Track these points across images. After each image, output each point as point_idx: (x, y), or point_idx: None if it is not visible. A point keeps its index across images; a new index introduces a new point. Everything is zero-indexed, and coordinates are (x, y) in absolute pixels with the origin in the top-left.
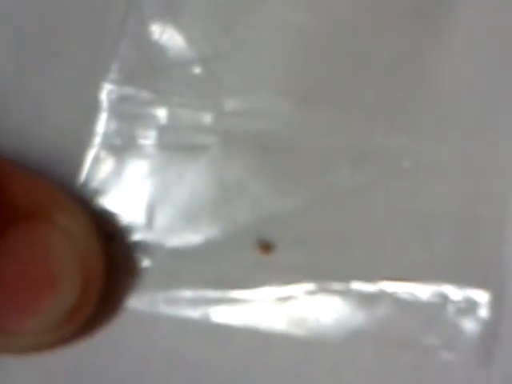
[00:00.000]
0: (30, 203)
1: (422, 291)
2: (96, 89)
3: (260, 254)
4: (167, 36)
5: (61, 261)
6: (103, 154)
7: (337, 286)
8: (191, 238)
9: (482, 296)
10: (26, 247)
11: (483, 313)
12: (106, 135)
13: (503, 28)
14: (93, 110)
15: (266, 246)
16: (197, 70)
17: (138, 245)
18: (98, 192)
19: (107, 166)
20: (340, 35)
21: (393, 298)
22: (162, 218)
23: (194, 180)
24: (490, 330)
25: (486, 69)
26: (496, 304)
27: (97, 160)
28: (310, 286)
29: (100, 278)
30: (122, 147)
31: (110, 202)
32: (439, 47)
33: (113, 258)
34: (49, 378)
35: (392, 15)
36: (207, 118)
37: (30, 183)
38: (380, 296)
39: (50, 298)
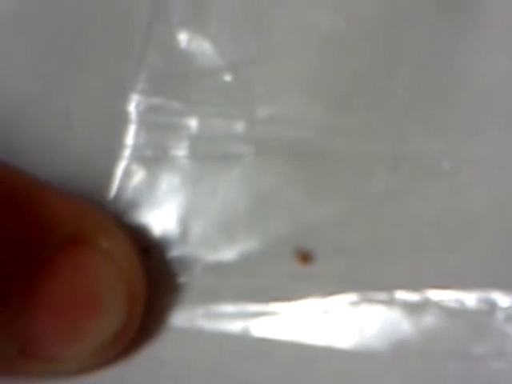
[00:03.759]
0: (71, 226)
1: (469, 298)
2: (124, 100)
3: (299, 265)
4: (195, 44)
5: (106, 285)
6: (134, 166)
7: (380, 295)
8: (228, 250)
9: None
10: (71, 273)
11: None
12: (136, 147)
13: None
14: (122, 121)
15: (305, 257)
16: (227, 78)
17: (173, 260)
18: (130, 206)
19: (138, 178)
20: (369, 37)
21: (439, 307)
22: (196, 231)
23: (227, 191)
24: None
25: None
26: None
27: (127, 173)
28: (353, 297)
29: (144, 298)
30: (153, 159)
31: (142, 216)
32: (472, 42)
33: (150, 274)
34: None
35: (420, 13)
36: (239, 127)
37: (70, 205)
38: (426, 305)
39: (97, 323)
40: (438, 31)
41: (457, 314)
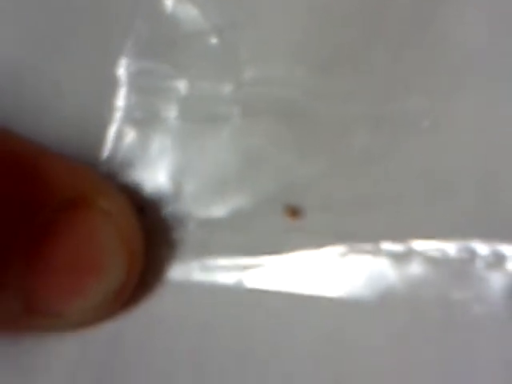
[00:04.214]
0: (72, 189)
1: (451, 248)
2: (114, 64)
3: (288, 220)
4: (181, 9)
5: (106, 244)
6: (125, 128)
7: (367, 246)
8: (219, 207)
9: (509, 249)
10: (73, 233)
11: (511, 266)
12: (127, 109)
13: None
14: (112, 85)
15: (294, 211)
16: (213, 41)
17: (167, 217)
18: (122, 167)
19: (130, 139)
20: (352, 4)
21: (422, 256)
22: (188, 189)
23: (217, 150)
24: None
25: (500, 28)
26: None
27: (119, 135)
28: (341, 248)
29: (141, 255)
30: (143, 121)
31: (135, 175)
32: (452, 8)
33: (146, 231)
34: (90, 347)
35: None
36: (227, 89)
37: (69, 169)
38: (410, 254)
39: (98, 280)
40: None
41: (439, 262)
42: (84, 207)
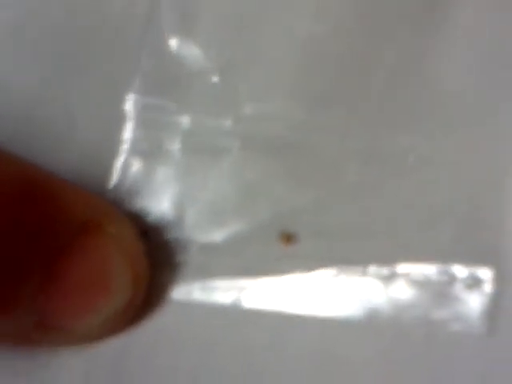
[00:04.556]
0: (84, 216)
1: (432, 271)
2: (121, 100)
3: (283, 246)
4: (185, 49)
5: (114, 266)
6: (132, 159)
7: (355, 270)
8: (218, 233)
9: (485, 273)
10: (85, 256)
11: (487, 288)
12: (133, 142)
13: (502, 28)
14: (120, 120)
15: (288, 238)
16: (214, 80)
17: (170, 241)
18: (128, 195)
19: (136, 170)
20: (345, 44)
21: (406, 279)
22: (190, 216)
23: (217, 180)
24: (494, 302)
25: (484, 69)
26: (498, 279)
27: (126, 165)
28: (331, 272)
29: (145, 277)
30: (149, 153)
31: (140, 203)
32: (439, 50)
33: (150, 255)
34: (96, 363)
35: (392, 22)
36: (227, 124)
37: (82, 197)
38: (395, 277)
39: (106, 299)
40: (407, 41)
41: (421, 284)
42: (96, 232)
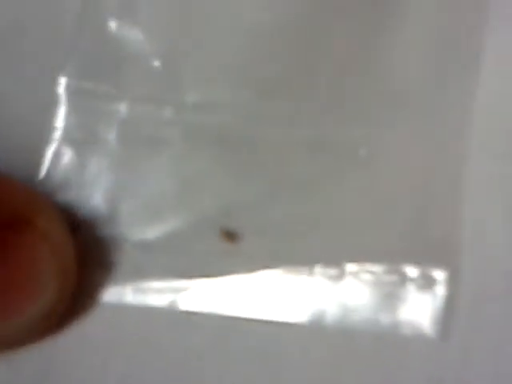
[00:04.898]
0: (12, 208)
1: (382, 271)
2: (55, 84)
3: (225, 243)
4: (125, 31)
5: (41, 264)
6: (63, 148)
7: (301, 270)
8: (155, 230)
9: (439, 273)
10: (11, 253)
11: (440, 289)
12: (66, 130)
13: (451, 16)
14: (52, 104)
15: (230, 236)
16: (156, 64)
17: (102, 238)
18: (59, 186)
19: (68, 160)
20: (294, 30)
21: (355, 279)
22: (124, 211)
23: (156, 173)
24: (447, 305)
25: (433, 59)
26: (452, 281)
27: (57, 155)
28: (276, 272)
29: (74, 274)
30: (82, 142)
31: (72, 196)
32: (389, 38)
33: (80, 251)
34: (21, 370)
35: (343, 8)
36: (168, 112)
37: (10, 188)
38: (343, 277)
39: (33, 301)
40: (358, 28)
41: (371, 285)
42: (25, 229)
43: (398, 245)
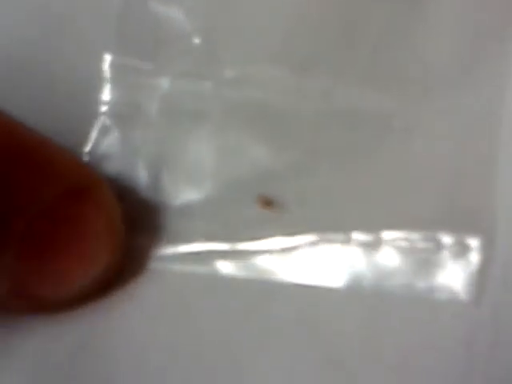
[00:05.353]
0: (69, 180)
1: (418, 238)
2: (100, 61)
3: (262, 210)
4: (166, 10)
5: (94, 233)
6: (109, 121)
7: (338, 236)
8: (195, 197)
9: (472, 241)
10: (66, 222)
11: (474, 256)
12: (111, 104)
13: (486, 2)
14: (97, 81)
15: (267, 202)
16: (196, 41)
17: (146, 205)
18: (105, 158)
19: (113, 133)
20: (331, 7)
21: (391, 246)
22: (167, 180)
23: (195, 144)
24: (481, 271)
25: (468, 40)
26: (486, 248)
27: (103, 127)
28: (312, 237)
29: (123, 244)
30: (126, 115)
31: (117, 166)
32: (426, 18)
33: (127, 220)
34: (69, 331)
35: None
36: (207, 87)
37: (67, 160)
38: (379, 244)
39: (84, 268)
40: (397, 7)
41: (406, 252)
42: (81, 200)
43: (433, 213)
